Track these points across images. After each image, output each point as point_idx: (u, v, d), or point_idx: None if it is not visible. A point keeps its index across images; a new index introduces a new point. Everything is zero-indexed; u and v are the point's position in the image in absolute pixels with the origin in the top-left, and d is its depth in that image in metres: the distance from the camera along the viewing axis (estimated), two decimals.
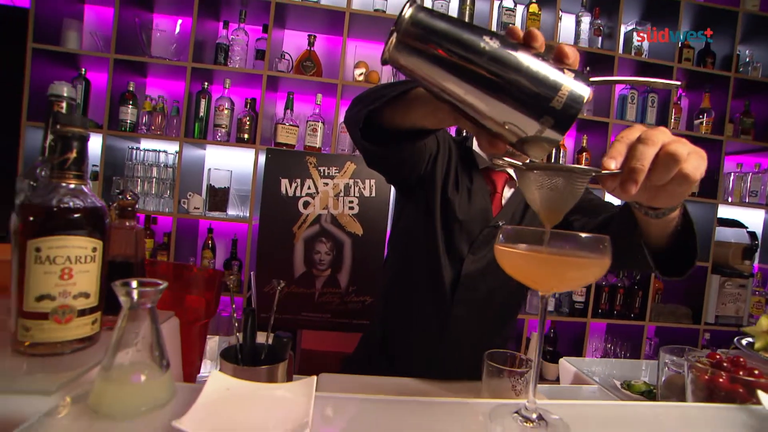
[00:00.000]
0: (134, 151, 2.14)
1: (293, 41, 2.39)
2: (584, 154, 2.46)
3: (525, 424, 0.44)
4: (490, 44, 0.39)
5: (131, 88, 2.11)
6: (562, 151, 2.44)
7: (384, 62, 0.42)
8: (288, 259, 1.99)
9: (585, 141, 2.49)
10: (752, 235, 2.58)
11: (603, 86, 2.32)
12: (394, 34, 0.39)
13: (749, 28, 2.55)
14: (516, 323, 1.14)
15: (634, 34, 2.48)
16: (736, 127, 2.57)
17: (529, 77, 0.39)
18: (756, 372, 0.69)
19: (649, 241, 0.68)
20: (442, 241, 0.95)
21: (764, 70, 2.58)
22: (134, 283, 0.39)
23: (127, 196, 0.60)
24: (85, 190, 0.51)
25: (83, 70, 2.14)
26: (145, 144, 2.23)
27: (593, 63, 2.46)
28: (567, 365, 1.16)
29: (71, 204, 0.48)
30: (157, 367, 0.40)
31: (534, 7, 2.36)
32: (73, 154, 0.49)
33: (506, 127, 0.41)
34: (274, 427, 0.36)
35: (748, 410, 0.56)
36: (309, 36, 2.22)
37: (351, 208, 1.98)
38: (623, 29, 2.50)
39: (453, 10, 2.31)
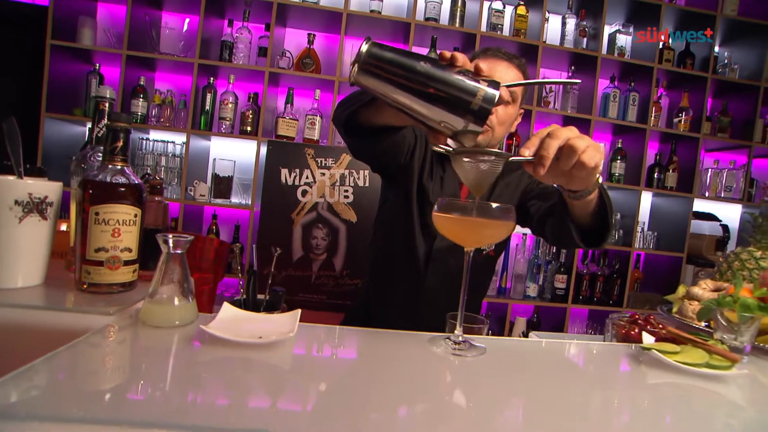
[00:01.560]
0: (144, 142, 2.30)
1: (294, 39, 2.54)
2: None
3: (455, 345, 0.60)
4: (424, 66, 0.54)
5: (142, 83, 2.26)
6: None
7: (351, 84, 0.57)
8: (287, 244, 2.16)
9: None
10: (725, 227, 2.73)
11: (585, 86, 2.44)
12: (356, 64, 0.54)
13: (728, 31, 2.68)
14: (484, 293, 1.30)
15: (627, 34, 2.62)
16: (713, 125, 2.71)
17: (453, 87, 0.54)
18: (660, 326, 0.85)
19: (577, 219, 0.84)
20: (417, 221, 1.11)
21: (741, 71, 2.72)
22: (170, 236, 0.56)
23: (156, 176, 0.76)
24: (128, 171, 0.67)
25: (97, 65, 2.29)
26: (155, 135, 2.39)
27: (578, 63, 2.60)
28: (535, 339, 1.33)
29: (120, 180, 0.64)
30: (186, 296, 0.57)
31: (522, 9, 2.49)
32: (120, 143, 0.64)
33: (442, 124, 0.57)
34: (270, 332, 0.53)
35: (633, 347, 0.72)
36: (309, 35, 2.36)
37: (346, 196, 2.14)
38: (607, 30, 2.63)
39: (445, 11, 2.45)
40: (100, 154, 0.67)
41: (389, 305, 1.19)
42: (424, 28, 2.37)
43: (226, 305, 0.59)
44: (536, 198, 1.10)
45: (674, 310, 0.96)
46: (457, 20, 2.43)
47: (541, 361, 0.65)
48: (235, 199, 2.41)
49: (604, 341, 1.05)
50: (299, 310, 0.60)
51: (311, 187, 2.10)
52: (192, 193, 2.29)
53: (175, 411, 0.39)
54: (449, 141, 0.62)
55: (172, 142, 2.33)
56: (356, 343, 0.62)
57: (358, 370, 0.53)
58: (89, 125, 0.77)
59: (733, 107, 2.75)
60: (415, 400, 0.48)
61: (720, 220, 2.75)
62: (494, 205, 0.57)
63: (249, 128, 2.30)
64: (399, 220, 1.15)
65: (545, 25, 2.50)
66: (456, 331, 0.62)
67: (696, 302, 0.91)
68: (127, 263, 0.65)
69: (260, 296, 0.84)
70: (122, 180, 0.64)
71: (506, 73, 1.04)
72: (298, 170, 2.11)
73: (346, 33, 2.34)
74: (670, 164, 2.70)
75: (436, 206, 0.60)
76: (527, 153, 0.59)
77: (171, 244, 0.55)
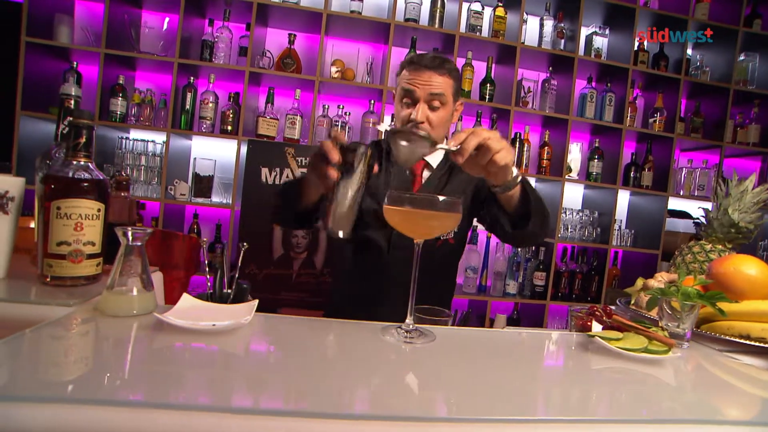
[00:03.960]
0: (124, 141, 2.29)
1: (275, 39, 2.55)
2: (546, 148, 2.67)
3: (406, 333, 0.63)
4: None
5: (121, 81, 2.25)
6: (526, 145, 2.64)
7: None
8: (268, 243, 2.17)
9: (547, 136, 2.69)
10: (698, 225, 2.81)
11: (563, 87, 2.49)
12: None
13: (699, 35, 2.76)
14: (451, 284, 1.34)
15: (603, 36, 2.68)
16: (687, 125, 2.79)
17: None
18: (614, 316, 0.89)
19: (507, 212, 0.97)
20: (372, 217, 1.18)
21: (712, 74, 2.80)
22: (129, 228, 0.57)
23: (123, 173, 0.77)
24: (91, 166, 0.68)
25: (75, 63, 2.27)
26: (134, 134, 2.38)
27: (556, 64, 2.66)
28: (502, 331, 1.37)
29: (83, 176, 0.65)
30: (144, 286, 0.59)
31: (500, 11, 2.54)
32: (83, 139, 0.66)
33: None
34: (225, 319, 0.55)
35: (583, 336, 0.75)
36: (289, 35, 2.38)
37: None
38: (584, 32, 2.69)
39: (425, 12, 2.48)
40: (65, 151, 0.68)
41: (356, 297, 1.24)
42: (405, 28, 2.40)
43: (185, 296, 0.61)
44: (487, 199, 1.18)
45: (632, 301, 1.00)
46: (437, 21, 2.47)
47: (490, 348, 0.68)
48: (216, 199, 2.41)
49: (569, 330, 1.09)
50: (256, 301, 0.62)
51: None
52: (172, 193, 2.29)
53: (132, 389, 0.41)
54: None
55: (153, 142, 2.33)
56: (310, 331, 0.64)
57: (310, 357, 0.55)
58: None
59: (706, 108, 2.84)
60: (361, 383, 0.50)
61: (693, 218, 2.83)
62: (441, 197, 0.59)
63: (229, 128, 2.30)
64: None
65: (523, 27, 2.55)
66: (407, 320, 0.64)
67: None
68: (90, 257, 0.66)
69: (227, 291, 0.86)
70: (85, 175, 0.66)
71: (430, 81, 1.11)
72: (278, 169, 2.13)
73: (326, 33, 2.36)
74: (646, 163, 2.77)
75: (386, 199, 0.62)
76: (452, 144, 0.74)
77: (130, 237, 0.57)
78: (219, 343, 0.54)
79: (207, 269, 0.85)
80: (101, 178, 0.68)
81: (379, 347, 0.60)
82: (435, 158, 1.26)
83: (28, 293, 0.61)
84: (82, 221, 0.64)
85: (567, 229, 2.74)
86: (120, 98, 2.24)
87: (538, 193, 0.97)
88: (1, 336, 0.51)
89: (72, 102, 0.76)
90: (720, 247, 0.98)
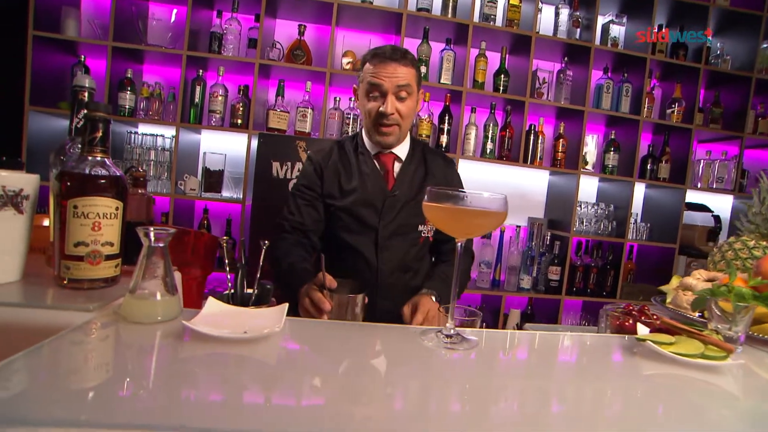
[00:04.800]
0: (132, 135, 2.26)
1: (284, 30, 2.50)
2: (561, 140, 2.60)
3: (446, 339, 0.59)
4: None
5: (129, 75, 2.21)
6: (540, 137, 2.58)
7: None
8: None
9: (562, 128, 2.62)
10: (716, 218, 2.74)
11: (578, 78, 2.43)
12: None
13: (720, 22, 2.67)
14: (427, 268, 1.36)
15: (620, 24, 2.60)
16: (705, 116, 2.71)
17: None
18: (654, 316, 0.84)
19: None
20: (353, 218, 1.22)
21: (733, 62, 2.71)
22: (151, 228, 0.54)
23: (139, 168, 0.74)
24: (108, 162, 0.64)
25: (83, 57, 2.24)
26: (143, 128, 2.35)
27: (571, 54, 2.59)
28: (530, 331, 1.34)
29: (100, 172, 0.61)
30: (168, 290, 0.55)
31: None
32: (99, 134, 0.62)
33: None
34: (256, 326, 0.51)
35: (626, 338, 0.71)
36: (299, 26, 2.32)
37: None
38: (600, 21, 2.62)
39: (437, 1, 2.41)
40: (80, 146, 0.64)
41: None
42: (417, 18, 2.34)
43: (210, 300, 0.58)
44: None
45: (668, 300, 0.96)
46: (450, 11, 2.40)
47: (533, 353, 0.64)
48: (226, 193, 2.37)
49: (597, 332, 1.05)
50: (286, 304, 0.59)
51: None
52: (182, 188, 2.26)
53: (160, 411, 0.37)
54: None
55: (162, 136, 2.29)
56: (345, 336, 0.61)
57: (349, 364, 0.52)
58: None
59: (725, 98, 2.76)
60: (407, 394, 0.46)
61: (712, 211, 2.76)
62: (486, 194, 0.55)
63: (239, 121, 2.26)
64: (335, 222, 1.26)
65: (538, 16, 2.48)
66: (448, 324, 0.60)
67: (689, 292, 0.90)
68: (108, 258, 0.63)
69: (249, 291, 0.82)
70: (102, 172, 0.62)
71: (396, 73, 1.14)
72: (289, 163, 2.09)
73: (337, 24, 2.31)
74: (663, 155, 2.70)
75: (426, 196, 0.58)
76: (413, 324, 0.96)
77: (152, 237, 0.53)
78: (251, 351, 0.50)
79: (227, 268, 0.82)
80: (119, 174, 0.64)
81: (419, 353, 0.56)
82: (403, 150, 1.28)
83: (45, 297, 0.58)
84: (100, 220, 0.61)
85: (582, 222, 2.68)
86: (128, 92, 2.20)
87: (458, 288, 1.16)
88: (19, 343, 0.47)
89: (86, 94, 0.72)
90: (764, 243, 0.93)
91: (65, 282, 0.61)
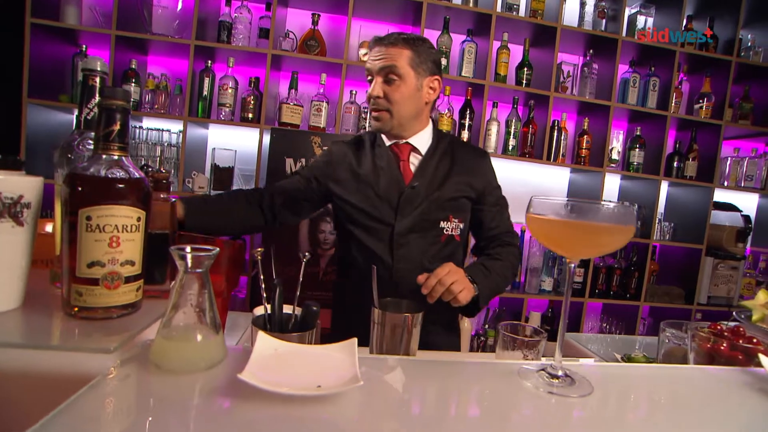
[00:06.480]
0: (137, 130, 2.13)
1: (297, 20, 2.36)
2: (585, 136, 2.48)
3: (552, 380, 0.47)
4: None
5: (133, 66, 2.08)
6: (564, 133, 2.46)
7: None
8: (293, 239, 2.02)
9: (586, 124, 2.50)
10: (746, 218, 2.63)
11: (605, 69, 2.32)
12: None
13: (752, 12, 2.55)
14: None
15: (648, 15, 2.47)
16: (734, 111, 2.60)
17: None
18: (755, 340, 0.73)
19: None
20: (366, 214, 1.15)
21: (766, 54, 2.59)
22: (188, 248, 0.42)
23: (162, 169, 0.62)
24: (126, 162, 0.53)
25: (84, 46, 2.11)
26: (148, 123, 2.22)
27: (596, 46, 2.46)
28: (568, 340, 1.22)
29: (118, 175, 0.49)
30: (211, 328, 0.43)
31: None
32: (117, 126, 0.50)
33: None
34: (328, 380, 0.39)
35: (752, 373, 0.59)
36: (313, 15, 2.19)
37: None
38: (627, 12, 2.49)
39: None
40: (91, 141, 0.53)
41: (364, 294, 1.17)
42: (437, 8, 2.21)
43: (261, 335, 0.46)
44: (487, 215, 1.23)
45: (755, 318, 0.85)
46: (471, 0, 2.28)
47: (665, 396, 0.52)
48: None
49: (659, 346, 0.94)
50: (355, 340, 0.47)
51: None
52: (190, 185, 2.14)
53: None
54: None
55: (168, 131, 2.17)
56: (427, 378, 0.48)
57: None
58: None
59: (756, 92, 2.64)
60: None
61: (741, 210, 2.65)
62: (611, 204, 0.43)
63: (250, 115, 2.14)
64: (349, 218, 1.18)
65: (563, 6, 2.35)
66: (556, 356, 0.48)
67: None
68: (129, 280, 0.51)
69: (287, 311, 0.71)
70: (121, 174, 0.50)
71: (380, 55, 1.09)
72: (303, 160, 1.96)
73: (353, 13, 2.18)
74: (690, 152, 2.58)
75: (531, 207, 0.46)
76: (424, 290, 0.93)
77: (189, 261, 0.41)
78: (325, 411, 0.38)
79: (262, 285, 0.70)
80: (140, 176, 0.52)
81: (516, 395, 0.44)
82: (421, 141, 1.19)
83: (51, 333, 0.46)
84: (119, 234, 0.49)
85: None
86: (133, 84, 2.07)
87: (499, 282, 1.11)
88: (19, 395, 0.36)
89: (98, 79, 0.60)
90: None
91: (76, 310, 0.49)
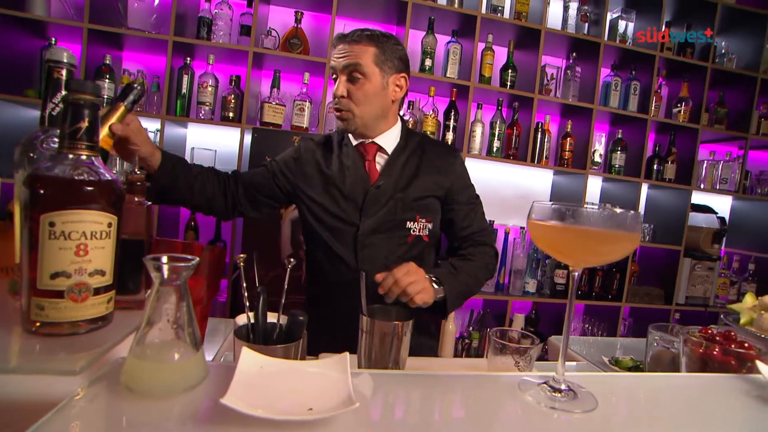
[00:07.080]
0: None
1: (279, 18, 2.31)
2: (569, 139, 2.51)
3: (554, 394, 0.45)
4: None
5: (108, 62, 2.00)
6: (547, 135, 2.48)
7: None
8: (275, 240, 1.97)
9: (569, 126, 2.53)
10: (722, 220, 2.70)
11: (587, 72, 2.33)
12: None
13: (726, 20, 2.62)
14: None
15: (629, 20, 2.51)
16: (710, 116, 2.67)
17: None
18: (746, 345, 0.73)
19: None
20: (331, 214, 1.13)
21: (738, 62, 2.67)
22: (164, 258, 0.38)
23: (136, 170, 0.57)
24: (96, 162, 0.48)
25: (53, 40, 2.01)
26: None
27: (579, 49, 2.49)
28: (555, 343, 1.21)
29: (86, 176, 0.45)
30: (190, 345, 0.39)
31: None
32: (85, 123, 0.45)
33: None
34: (320, 402, 0.36)
35: (751, 379, 0.59)
36: (296, 12, 2.15)
37: None
38: (609, 16, 2.53)
39: None
40: (56, 139, 0.48)
41: (330, 296, 1.17)
42: (421, 8, 2.19)
43: (245, 351, 0.42)
44: (458, 214, 1.20)
45: (743, 321, 0.85)
46: (456, 1, 2.27)
47: (672, 407, 0.50)
48: None
49: (647, 348, 0.93)
50: (347, 355, 0.43)
51: None
52: None
53: None
54: None
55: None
56: (429, 394, 0.45)
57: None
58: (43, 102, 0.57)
59: (730, 98, 2.71)
60: None
61: (717, 213, 2.72)
62: (618, 210, 0.41)
63: (231, 114, 2.07)
64: (317, 220, 1.16)
65: (547, 9, 2.37)
66: (559, 369, 0.46)
67: None
68: (98, 291, 0.47)
69: (272, 320, 0.67)
70: (90, 176, 0.46)
71: (343, 53, 1.06)
72: None
73: (336, 12, 2.14)
74: (669, 156, 2.63)
75: (532, 212, 0.44)
76: (380, 290, 0.91)
77: (166, 272, 0.37)
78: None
79: (245, 293, 0.66)
80: (111, 178, 0.48)
81: (516, 410, 0.42)
82: (388, 140, 1.16)
83: (8, 353, 0.41)
84: (87, 242, 0.44)
85: None
86: (107, 80, 1.98)
87: (471, 285, 1.09)
88: None
89: (64, 72, 0.54)
90: None
91: (38, 326, 0.44)
